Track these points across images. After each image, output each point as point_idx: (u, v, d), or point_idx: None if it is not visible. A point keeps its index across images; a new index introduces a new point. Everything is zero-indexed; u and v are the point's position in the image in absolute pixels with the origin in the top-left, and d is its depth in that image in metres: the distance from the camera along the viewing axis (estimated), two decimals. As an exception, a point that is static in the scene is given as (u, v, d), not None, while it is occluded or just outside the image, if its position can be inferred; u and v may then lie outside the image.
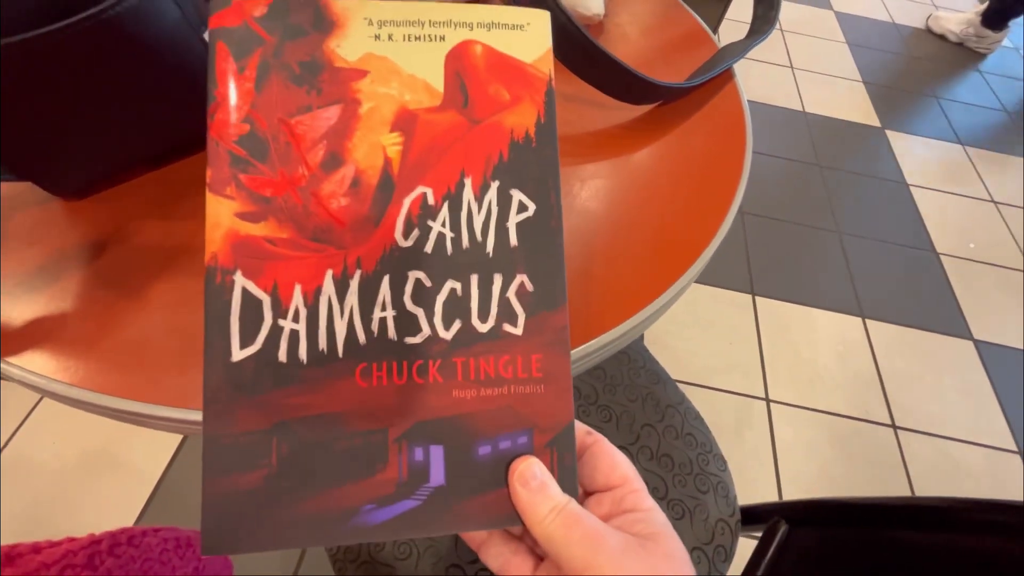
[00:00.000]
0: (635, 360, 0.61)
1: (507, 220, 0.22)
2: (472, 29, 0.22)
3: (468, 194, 0.22)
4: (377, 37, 0.22)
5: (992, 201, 1.61)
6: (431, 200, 0.21)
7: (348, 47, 0.21)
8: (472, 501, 0.20)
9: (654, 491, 0.52)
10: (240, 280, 0.20)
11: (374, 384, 0.20)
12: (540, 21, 0.23)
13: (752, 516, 0.53)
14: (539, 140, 0.22)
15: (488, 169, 0.22)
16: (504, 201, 0.22)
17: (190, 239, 0.31)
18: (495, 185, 0.22)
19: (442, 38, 0.22)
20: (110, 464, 0.86)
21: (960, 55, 2.22)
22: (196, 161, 0.35)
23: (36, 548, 0.30)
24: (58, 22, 0.24)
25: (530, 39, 0.23)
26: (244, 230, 0.20)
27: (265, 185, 0.21)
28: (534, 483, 0.20)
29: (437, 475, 0.20)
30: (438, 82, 0.22)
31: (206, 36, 0.32)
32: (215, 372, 0.19)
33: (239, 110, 0.21)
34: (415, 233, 0.21)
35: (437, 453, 0.20)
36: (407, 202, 0.21)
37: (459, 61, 0.22)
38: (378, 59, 0.22)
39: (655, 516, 0.21)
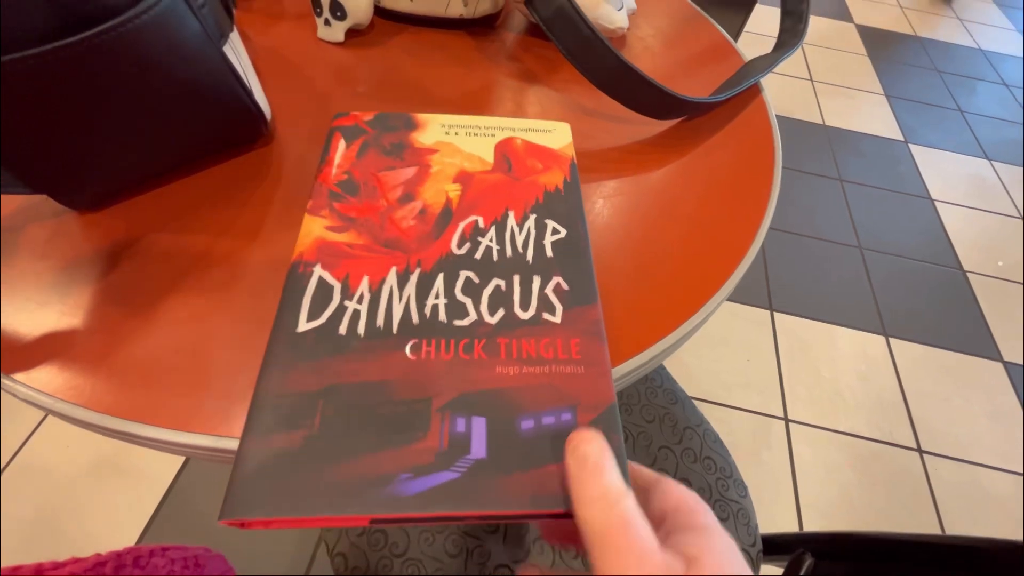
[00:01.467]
0: (652, 379, 0.60)
1: (543, 239, 0.27)
2: (514, 132, 0.33)
3: (511, 221, 0.28)
4: (447, 132, 0.32)
5: (1021, 218, 1.57)
6: (481, 224, 0.28)
7: (425, 137, 0.32)
8: (513, 477, 0.19)
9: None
10: (318, 271, 0.24)
11: (422, 357, 0.22)
12: (563, 128, 0.34)
13: (774, 546, 0.51)
14: (567, 192, 0.30)
15: (527, 207, 0.29)
16: (540, 227, 0.28)
17: (204, 252, 0.30)
18: (533, 216, 0.28)
19: (492, 135, 0.32)
20: (119, 471, 0.86)
21: (983, 65, 2.18)
22: (213, 173, 0.35)
23: (39, 570, 0.30)
24: (75, 35, 0.23)
25: (556, 137, 0.33)
26: (329, 238, 0.26)
27: (352, 210, 0.27)
28: (590, 462, 0.18)
29: (479, 447, 0.20)
30: (489, 157, 0.31)
31: (225, 49, 0.31)
32: (279, 341, 0.22)
33: (341, 167, 0.29)
34: (467, 245, 0.26)
35: (479, 425, 0.20)
36: (462, 225, 0.27)
37: (505, 147, 0.32)
38: (446, 144, 0.32)
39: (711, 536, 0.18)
